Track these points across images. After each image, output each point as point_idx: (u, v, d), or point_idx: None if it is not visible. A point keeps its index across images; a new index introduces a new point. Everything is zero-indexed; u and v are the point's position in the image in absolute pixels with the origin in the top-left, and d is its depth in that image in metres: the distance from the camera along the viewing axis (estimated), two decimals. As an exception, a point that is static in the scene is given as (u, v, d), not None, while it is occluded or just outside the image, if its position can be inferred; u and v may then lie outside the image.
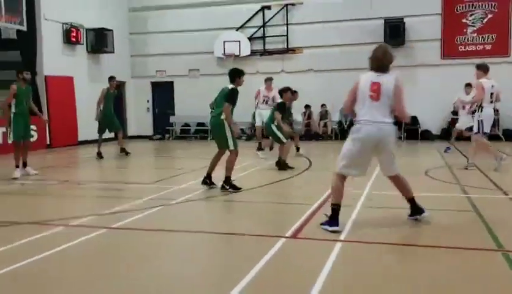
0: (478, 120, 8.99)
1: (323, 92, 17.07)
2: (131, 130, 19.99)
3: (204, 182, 7.48)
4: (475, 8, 16.53)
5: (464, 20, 16.62)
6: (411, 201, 5.33)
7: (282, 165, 9.79)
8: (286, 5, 18.07)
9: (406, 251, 4.39)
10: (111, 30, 17.67)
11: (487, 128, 9.02)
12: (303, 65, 18.03)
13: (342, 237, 4.67)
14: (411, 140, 16.47)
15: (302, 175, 9.08)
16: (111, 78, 12.82)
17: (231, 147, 7.28)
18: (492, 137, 13.57)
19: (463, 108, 12.31)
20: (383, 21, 16.82)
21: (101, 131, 12.54)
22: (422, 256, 4.23)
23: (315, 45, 17.80)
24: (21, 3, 13.12)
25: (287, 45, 18.20)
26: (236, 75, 7.49)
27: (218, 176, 7.50)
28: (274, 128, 10.47)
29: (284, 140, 10.33)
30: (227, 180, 7.26)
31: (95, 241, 4.78)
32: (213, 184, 7.45)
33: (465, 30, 16.64)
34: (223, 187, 7.24)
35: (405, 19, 16.68)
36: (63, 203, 6.99)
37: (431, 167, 9.56)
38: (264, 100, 12.77)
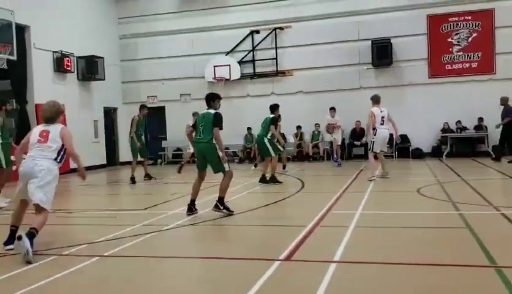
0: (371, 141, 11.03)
1: (314, 113, 17.22)
2: (123, 156, 19.93)
3: (189, 209, 7.33)
4: (460, 27, 16.87)
5: (450, 39, 16.95)
6: None
7: (263, 179, 10.73)
8: (275, 28, 18.34)
9: (401, 270, 4.39)
10: (102, 57, 17.79)
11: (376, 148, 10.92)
12: (293, 87, 18.22)
13: (337, 258, 4.66)
14: (402, 158, 16.58)
15: (295, 196, 9.09)
16: (143, 107, 13.27)
17: (227, 168, 7.27)
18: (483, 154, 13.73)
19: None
20: (370, 42, 17.10)
21: (136, 157, 12.74)
22: (417, 274, 4.24)
23: (304, 67, 18.04)
24: (11, 33, 13.19)
25: (277, 68, 18.41)
26: (211, 99, 7.60)
27: (206, 201, 7.47)
28: (266, 140, 10.82)
29: (273, 154, 10.67)
30: (221, 201, 7.22)
31: (88, 270, 4.73)
32: (196, 210, 7.38)
33: (451, 49, 16.96)
34: (217, 207, 7.19)
35: (392, 40, 16.98)
36: (55, 233, 6.92)
37: (423, 185, 9.61)
38: None
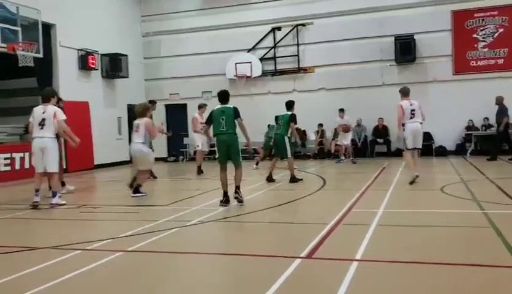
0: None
1: (335, 110, 17.09)
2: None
3: (226, 201, 7.88)
4: (486, 23, 16.54)
5: (475, 35, 16.64)
6: None
7: (270, 178, 10.86)
8: (297, 25, 18.28)
9: (423, 269, 4.35)
10: (126, 55, 18.02)
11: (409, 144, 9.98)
12: (314, 84, 18.15)
13: (358, 256, 4.65)
14: (425, 156, 16.34)
15: (316, 194, 9.07)
16: (153, 102, 13.61)
17: (241, 161, 8.11)
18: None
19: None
20: (394, 39, 16.90)
21: None
22: (440, 274, 4.20)
23: (326, 64, 17.95)
24: (38, 32, 13.46)
25: (298, 65, 18.35)
26: (228, 95, 8.33)
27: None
28: (286, 140, 10.70)
29: (289, 154, 10.59)
30: (239, 188, 7.97)
31: (112, 264, 4.82)
32: (229, 201, 7.92)
33: (476, 45, 16.65)
34: (236, 193, 7.90)
35: (416, 36, 16.76)
36: (80, 227, 7.07)
37: (446, 183, 9.48)
38: None
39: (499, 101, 14.48)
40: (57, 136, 8.72)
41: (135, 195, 9.34)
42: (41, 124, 8.32)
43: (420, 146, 10.22)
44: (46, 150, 8.29)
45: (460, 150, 16.51)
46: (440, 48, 16.84)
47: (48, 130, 8.31)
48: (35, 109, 8.57)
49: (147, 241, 5.64)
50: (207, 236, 6.17)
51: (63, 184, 10.29)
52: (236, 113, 7.96)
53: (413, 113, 9.94)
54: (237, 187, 7.93)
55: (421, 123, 10.06)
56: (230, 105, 8.11)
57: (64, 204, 8.49)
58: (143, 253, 5.23)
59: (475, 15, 16.63)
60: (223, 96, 8.22)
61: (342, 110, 15.72)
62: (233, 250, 5.27)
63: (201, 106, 13.70)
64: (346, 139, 15.59)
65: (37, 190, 8.35)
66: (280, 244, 5.53)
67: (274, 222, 6.83)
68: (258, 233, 6.29)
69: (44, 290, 4.01)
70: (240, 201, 7.87)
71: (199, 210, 7.59)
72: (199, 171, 13.25)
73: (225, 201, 7.85)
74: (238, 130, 8.04)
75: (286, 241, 5.73)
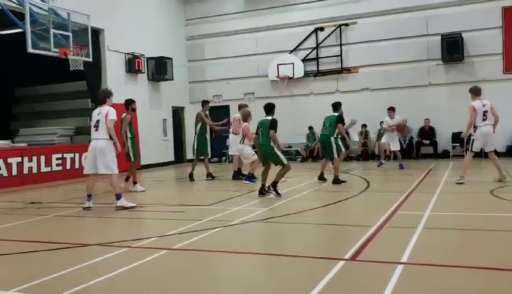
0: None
1: (380, 111, 16.79)
2: (190, 154, 20.47)
3: (260, 192, 8.95)
4: (539, 19, 15.81)
5: (528, 32, 15.93)
6: None
7: (321, 177, 11.01)
8: (340, 25, 18.10)
9: (470, 274, 4.20)
10: (170, 58, 18.40)
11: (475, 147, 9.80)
12: (358, 85, 17.90)
13: (404, 259, 4.55)
14: (475, 157, 15.75)
15: (360, 196, 8.94)
16: (206, 102, 13.60)
17: (285, 162, 8.86)
18: None
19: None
20: (440, 37, 16.44)
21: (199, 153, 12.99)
22: (487, 278, 4.05)
23: (370, 64, 17.68)
24: (87, 36, 13.95)
25: (341, 65, 18.16)
26: (271, 108, 9.19)
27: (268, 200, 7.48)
28: (332, 140, 10.64)
29: (336, 155, 10.50)
30: (274, 185, 8.77)
31: (158, 262, 4.93)
32: (267, 192, 8.97)
33: (529, 42, 15.93)
34: (268, 189, 8.85)
35: (463, 34, 16.24)
36: (126, 226, 7.28)
37: (497, 186, 9.13)
38: None
39: None
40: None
41: (246, 182, 11.08)
42: (96, 125, 8.27)
43: (492, 149, 10.03)
44: (99, 152, 8.13)
45: (511, 153, 15.85)
46: (490, 46, 16.22)
47: (102, 132, 8.20)
48: (93, 111, 8.61)
49: (191, 239, 5.73)
50: (249, 236, 6.20)
51: (134, 183, 10.99)
52: (271, 125, 8.71)
53: (485, 115, 9.46)
54: (272, 183, 8.78)
55: (493, 125, 9.65)
56: (270, 117, 8.94)
57: (134, 207, 8.27)
58: (187, 251, 5.32)
59: (528, 11, 15.93)
60: (267, 109, 9.14)
61: (392, 109, 14.31)
62: (275, 251, 5.28)
63: (239, 108, 13.00)
64: (393, 144, 14.26)
65: (88, 196, 8.27)
66: (324, 246, 5.49)
67: (317, 223, 6.78)
68: (300, 234, 6.26)
69: (92, 286, 4.16)
70: (277, 193, 8.71)
71: (241, 210, 7.64)
72: (238, 175, 12.50)
73: (260, 192, 8.92)
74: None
75: (330, 242, 5.68)
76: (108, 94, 8.84)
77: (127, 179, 11.30)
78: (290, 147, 18.56)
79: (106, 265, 4.82)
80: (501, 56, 16.24)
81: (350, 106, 16.90)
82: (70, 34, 13.16)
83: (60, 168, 14.24)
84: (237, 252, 5.30)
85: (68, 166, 14.51)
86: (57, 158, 14.20)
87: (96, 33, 15.44)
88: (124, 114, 10.89)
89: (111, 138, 8.28)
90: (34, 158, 13.49)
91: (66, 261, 5.00)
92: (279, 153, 8.84)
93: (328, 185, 10.54)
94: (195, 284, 4.21)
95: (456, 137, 15.63)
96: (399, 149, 14.44)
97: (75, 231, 6.99)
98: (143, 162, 17.22)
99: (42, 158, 13.70)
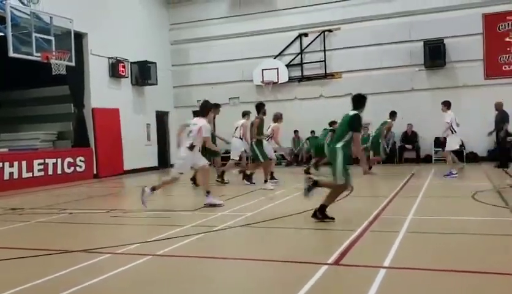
0: None
1: (363, 116, 16.92)
2: (174, 159, 20.39)
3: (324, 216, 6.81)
4: (518, 26, 16.15)
5: (507, 39, 16.27)
6: None
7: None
8: (324, 31, 18.24)
9: (453, 277, 4.26)
10: (155, 63, 18.33)
11: None
12: (342, 90, 18.00)
13: (386, 263, 4.59)
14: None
15: (344, 200, 8.97)
16: (217, 106, 12.15)
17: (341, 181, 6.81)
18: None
19: None
20: (422, 43, 16.68)
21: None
22: (470, 282, 4.10)
23: (353, 69, 17.83)
24: (70, 41, 13.83)
25: (325, 71, 18.29)
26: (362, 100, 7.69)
27: (251, 204, 7.48)
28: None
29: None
30: (322, 209, 6.79)
31: (141, 268, 4.90)
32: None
33: (508, 49, 16.28)
34: (315, 216, 6.79)
35: (445, 40, 16.50)
36: (110, 231, 7.21)
37: (478, 190, 9.27)
38: None
39: (499, 107, 14.10)
40: (192, 147, 8.47)
41: (247, 183, 11.40)
42: (188, 134, 8.49)
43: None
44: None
45: (492, 157, 16.10)
46: (471, 52, 16.50)
47: (190, 141, 8.34)
48: (193, 119, 8.89)
49: (175, 245, 5.70)
50: (233, 241, 6.20)
51: (249, 178, 11.49)
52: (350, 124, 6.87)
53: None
54: (319, 207, 6.86)
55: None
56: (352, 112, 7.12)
57: (220, 205, 8.36)
58: (171, 257, 5.30)
59: (508, 18, 16.25)
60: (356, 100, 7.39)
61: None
62: (259, 256, 5.28)
63: (244, 115, 13.03)
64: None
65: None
66: (307, 250, 5.51)
67: (301, 228, 6.80)
68: (284, 239, 6.27)
69: (75, 292, 4.11)
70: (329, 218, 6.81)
71: (225, 215, 7.63)
72: (248, 177, 12.40)
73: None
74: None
75: (313, 247, 5.71)
76: (211, 106, 8.82)
77: (248, 177, 11.74)
78: (275, 151, 18.56)
79: (89, 271, 4.76)
80: (481, 62, 16.53)
81: (334, 111, 17.06)
82: (53, 38, 13.05)
83: (42, 173, 14.06)
84: (221, 257, 5.29)
85: (50, 172, 14.32)
86: (39, 164, 14.01)
87: (79, 37, 15.31)
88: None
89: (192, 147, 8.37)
90: (15, 163, 13.29)
91: (43, 269, 4.93)
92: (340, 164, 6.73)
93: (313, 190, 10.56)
94: (179, 290, 4.19)
95: (438, 142, 15.83)
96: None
97: (58, 237, 6.90)
98: (126, 167, 17.12)
99: (23, 163, 13.50)
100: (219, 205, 8.37)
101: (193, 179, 12.40)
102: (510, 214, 6.92)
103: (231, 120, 19.11)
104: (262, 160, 11.15)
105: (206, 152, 10.60)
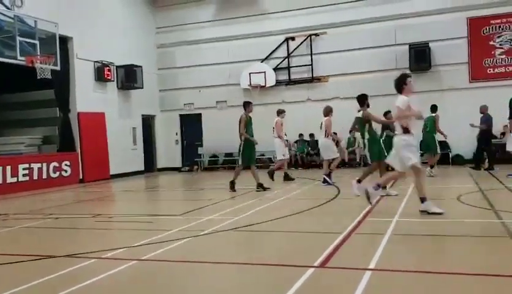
0: None
1: (350, 119, 16.98)
2: (161, 163, 20.34)
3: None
4: (502, 29, 16.39)
5: (491, 42, 16.48)
6: None
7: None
8: (310, 35, 18.32)
9: (438, 279, 4.28)
10: (140, 66, 18.24)
11: None
12: (328, 93, 18.11)
13: (372, 266, 4.60)
14: (442, 165, 16.15)
15: (331, 203, 9.02)
16: (249, 103, 11.83)
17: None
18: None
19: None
20: (408, 47, 16.83)
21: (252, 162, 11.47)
22: (455, 284, 4.13)
23: (339, 73, 17.93)
24: (55, 44, 13.71)
25: (312, 74, 18.36)
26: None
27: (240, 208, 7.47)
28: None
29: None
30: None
31: (127, 273, 4.85)
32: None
33: (493, 52, 16.48)
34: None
35: (430, 44, 16.67)
36: (95, 236, 7.14)
37: (463, 192, 9.35)
38: None
39: (483, 110, 14.31)
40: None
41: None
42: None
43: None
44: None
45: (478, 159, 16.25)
46: (456, 56, 16.69)
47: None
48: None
49: (161, 250, 5.66)
50: (219, 246, 6.16)
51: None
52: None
53: None
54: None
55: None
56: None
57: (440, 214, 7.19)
58: (157, 262, 5.25)
59: (491, 22, 16.48)
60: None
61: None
62: (245, 260, 5.26)
63: (279, 113, 13.62)
64: None
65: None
66: (293, 253, 5.50)
67: (287, 231, 6.80)
68: (270, 242, 6.27)
69: (58, 299, 4.06)
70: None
71: (212, 220, 7.60)
72: (288, 178, 13.12)
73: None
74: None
75: (299, 250, 5.70)
76: (404, 78, 8.01)
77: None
78: (263, 155, 18.60)
79: (74, 277, 4.71)
80: (467, 65, 16.72)
81: (321, 115, 17.13)
82: (37, 42, 12.94)
83: (27, 178, 13.89)
84: (207, 261, 5.26)
85: (35, 177, 14.16)
86: (24, 168, 13.84)
87: (64, 41, 15.20)
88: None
89: (406, 131, 7.42)
90: (0, 168, 13.12)
91: (28, 274, 4.86)
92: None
93: (300, 193, 10.59)
94: (164, 295, 4.16)
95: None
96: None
97: (42, 242, 6.81)
98: (112, 172, 16.99)
99: (8, 168, 13.33)
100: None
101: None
102: (495, 216, 6.98)
103: (218, 124, 19.24)
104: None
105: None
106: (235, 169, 11.64)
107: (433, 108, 13.55)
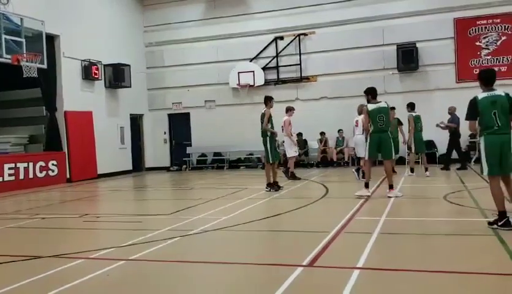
0: None
1: (338, 118, 17.12)
2: (149, 162, 20.24)
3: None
4: (488, 30, 16.57)
5: (478, 43, 16.67)
6: None
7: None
8: (299, 35, 18.36)
9: (425, 278, 4.33)
10: (128, 65, 18.12)
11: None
12: (317, 93, 18.20)
13: (360, 264, 4.64)
14: (429, 164, 16.28)
15: (319, 202, 9.06)
16: (270, 99, 11.77)
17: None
18: None
19: None
20: (396, 47, 16.95)
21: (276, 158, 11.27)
22: (442, 282, 4.17)
23: (328, 73, 18.01)
24: (42, 43, 13.57)
25: (301, 74, 18.41)
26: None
27: (227, 208, 7.46)
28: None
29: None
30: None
31: (114, 273, 4.83)
32: None
33: (479, 53, 16.67)
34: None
35: (418, 44, 16.81)
36: (83, 236, 7.09)
37: (450, 191, 9.45)
38: None
39: (452, 110, 14.51)
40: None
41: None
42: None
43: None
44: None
45: (464, 159, 16.43)
46: (443, 56, 16.86)
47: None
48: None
49: (149, 249, 5.64)
50: (208, 245, 6.16)
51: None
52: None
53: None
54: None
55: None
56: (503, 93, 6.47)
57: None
58: (145, 262, 5.23)
59: (478, 23, 16.66)
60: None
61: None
62: (234, 259, 5.27)
63: (288, 110, 13.64)
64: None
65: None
66: (282, 252, 5.52)
67: (276, 230, 6.82)
68: (259, 241, 6.28)
69: (46, 299, 4.02)
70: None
71: (201, 219, 7.59)
72: (294, 177, 13.14)
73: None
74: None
75: (288, 249, 5.72)
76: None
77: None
78: (252, 154, 18.62)
79: (61, 277, 4.67)
80: (453, 65, 16.90)
81: (309, 114, 17.28)
82: (23, 40, 12.80)
83: (13, 178, 13.73)
84: (196, 261, 5.26)
85: (21, 176, 14.01)
86: (9, 168, 13.69)
87: (51, 39, 15.05)
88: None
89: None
90: (-15, 168, 12.97)
91: (16, 275, 4.82)
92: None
93: (288, 193, 10.61)
94: (153, 295, 4.14)
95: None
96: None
97: (29, 242, 6.75)
98: (100, 171, 16.87)
99: (-7, 168, 13.18)
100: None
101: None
102: (480, 214, 7.07)
103: (207, 123, 19.21)
104: None
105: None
106: (266, 169, 10.92)
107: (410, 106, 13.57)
